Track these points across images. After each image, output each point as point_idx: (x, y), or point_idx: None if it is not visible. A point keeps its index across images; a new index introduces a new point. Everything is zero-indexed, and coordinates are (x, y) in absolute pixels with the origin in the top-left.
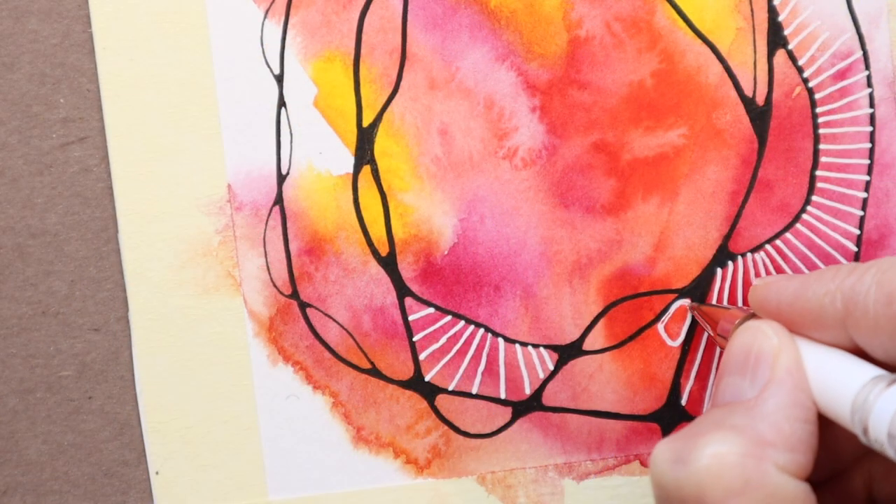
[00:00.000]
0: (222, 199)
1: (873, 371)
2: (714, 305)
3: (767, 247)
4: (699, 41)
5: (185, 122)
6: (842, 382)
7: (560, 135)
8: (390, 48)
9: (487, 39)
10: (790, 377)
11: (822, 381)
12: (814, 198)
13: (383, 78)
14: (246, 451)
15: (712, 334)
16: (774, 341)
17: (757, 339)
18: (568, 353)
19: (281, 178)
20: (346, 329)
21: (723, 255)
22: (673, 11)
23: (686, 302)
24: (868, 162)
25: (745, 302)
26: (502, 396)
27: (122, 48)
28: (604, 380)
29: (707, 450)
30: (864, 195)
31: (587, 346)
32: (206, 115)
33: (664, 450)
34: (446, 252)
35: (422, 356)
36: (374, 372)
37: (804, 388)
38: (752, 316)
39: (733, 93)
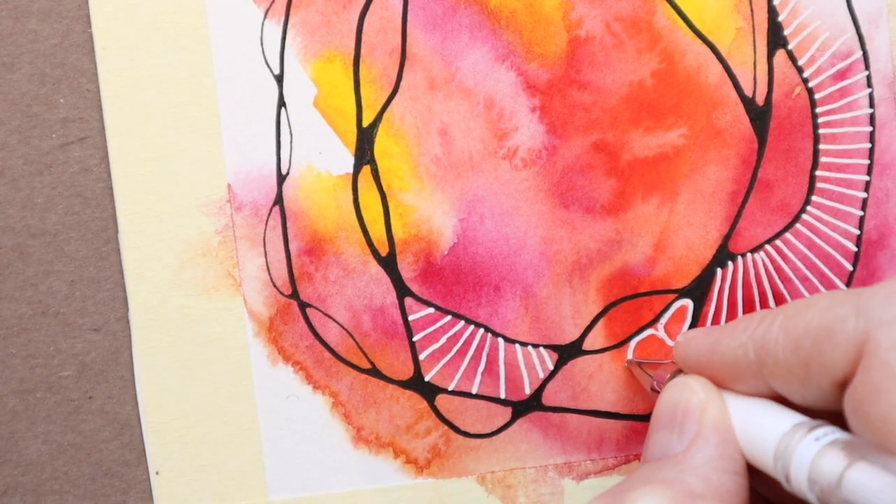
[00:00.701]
0: (222, 199)
1: (794, 419)
2: (649, 362)
3: (767, 247)
4: (699, 41)
5: (185, 122)
6: (765, 431)
7: (560, 135)
8: (390, 48)
9: (487, 39)
10: (717, 431)
11: (747, 431)
12: (814, 198)
13: (383, 78)
14: (246, 451)
15: (648, 390)
16: (701, 396)
17: (684, 394)
18: (568, 353)
19: (281, 178)
20: (346, 329)
21: (723, 255)
22: (673, 11)
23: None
24: (868, 162)
25: (745, 305)
26: (502, 396)
27: (122, 48)
28: (604, 380)
29: None
30: (864, 195)
31: (587, 346)
32: (206, 115)
33: None
34: (446, 252)
35: (422, 356)
36: (374, 372)
37: (731, 441)
38: (681, 371)
39: (733, 93)
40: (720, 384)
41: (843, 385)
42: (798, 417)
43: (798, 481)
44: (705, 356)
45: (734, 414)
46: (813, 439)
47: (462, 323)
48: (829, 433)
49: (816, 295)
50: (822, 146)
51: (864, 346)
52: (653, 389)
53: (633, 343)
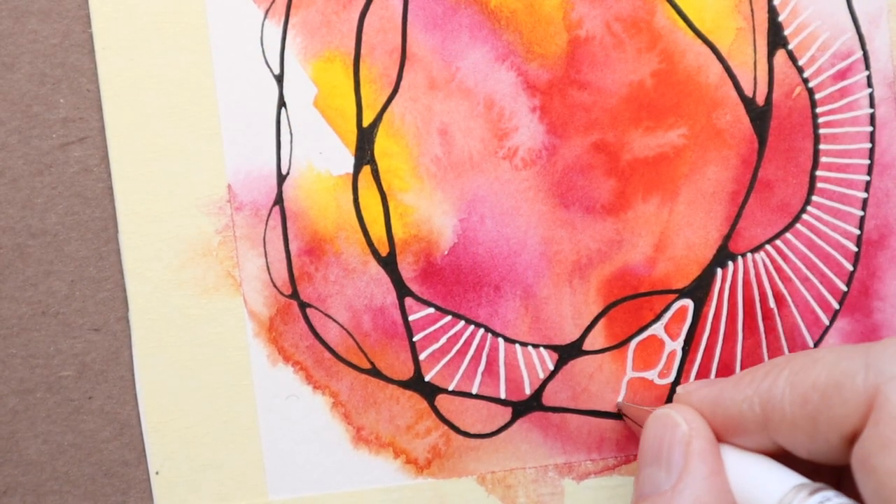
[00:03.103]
0: (222, 199)
1: (795, 479)
2: (639, 407)
3: (767, 247)
4: (699, 41)
5: (185, 122)
6: (764, 491)
7: (560, 135)
8: (390, 48)
9: (487, 39)
10: (703, 464)
11: (745, 489)
12: (814, 198)
13: (383, 78)
14: (246, 451)
15: (637, 432)
16: (684, 428)
17: (668, 427)
18: (568, 353)
19: (281, 178)
20: (346, 329)
21: (723, 255)
22: (673, 11)
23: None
24: (868, 162)
25: (745, 305)
26: (502, 396)
27: (122, 48)
28: (604, 380)
29: None
30: (865, 195)
31: (587, 346)
32: (206, 115)
33: None
34: (446, 252)
35: (422, 356)
36: (374, 372)
37: (719, 472)
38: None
39: (733, 93)
40: (718, 438)
41: (851, 439)
42: (799, 478)
43: None
44: (708, 409)
45: (733, 470)
46: (816, 502)
47: (462, 323)
48: (831, 497)
49: (822, 349)
50: (822, 146)
51: (873, 401)
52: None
53: (632, 344)
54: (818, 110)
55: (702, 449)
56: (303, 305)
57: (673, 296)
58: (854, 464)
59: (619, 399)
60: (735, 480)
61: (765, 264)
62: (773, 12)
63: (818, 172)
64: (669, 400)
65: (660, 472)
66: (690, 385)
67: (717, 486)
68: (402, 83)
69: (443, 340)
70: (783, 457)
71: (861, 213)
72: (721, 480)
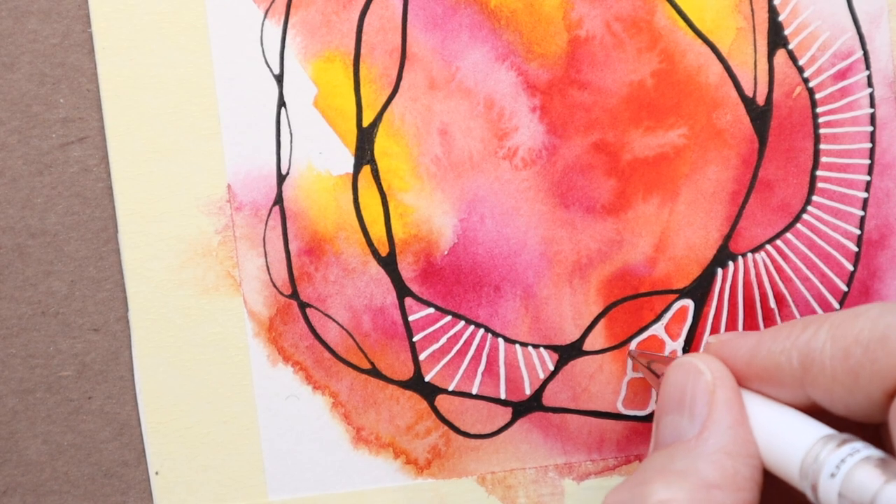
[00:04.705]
0: (222, 199)
1: (823, 430)
2: (653, 353)
3: (768, 247)
4: (699, 41)
5: (185, 122)
6: (790, 442)
7: (560, 135)
8: (390, 48)
9: (487, 39)
10: (728, 413)
11: (772, 440)
12: (814, 198)
13: (383, 78)
14: (246, 452)
15: (649, 380)
16: (708, 377)
17: (690, 376)
18: (568, 353)
19: (281, 178)
20: (346, 329)
21: (723, 255)
22: (673, 11)
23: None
24: (868, 162)
25: (745, 305)
26: (502, 397)
27: (122, 48)
28: (604, 380)
29: (653, 498)
30: (865, 195)
31: (587, 346)
32: (206, 115)
33: (613, 501)
34: (446, 252)
35: (422, 356)
36: (374, 372)
37: (743, 422)
38: None
39: (733, 93)
40: (750, 387)
41: (892, 395)
42: (827, 429)
43: (827, 495)
44: (743, 360)
45: (759, 420)
46: (846, 453)
47: (462, 323)
48: (862, 448)
49: (864, 305)
50: (822, 146)
51: None
52: (655, 374)
53: (633, 344)
54: (818, 110)
55: (727, 398)
56: (303, 305)
57: (673, 296)
58: (892, 418)
59: (631, 348)
60: (761, 431)
61: (765, 264)
62: (773, 12)
63: (818, 172)
64: None
65: (682, 419)
66: (723, 335)
67: (741, 436)
68: (402, 83)
69: (443, 340)
70: (815, 413)
71: (861, 213)
72: (746, 430)
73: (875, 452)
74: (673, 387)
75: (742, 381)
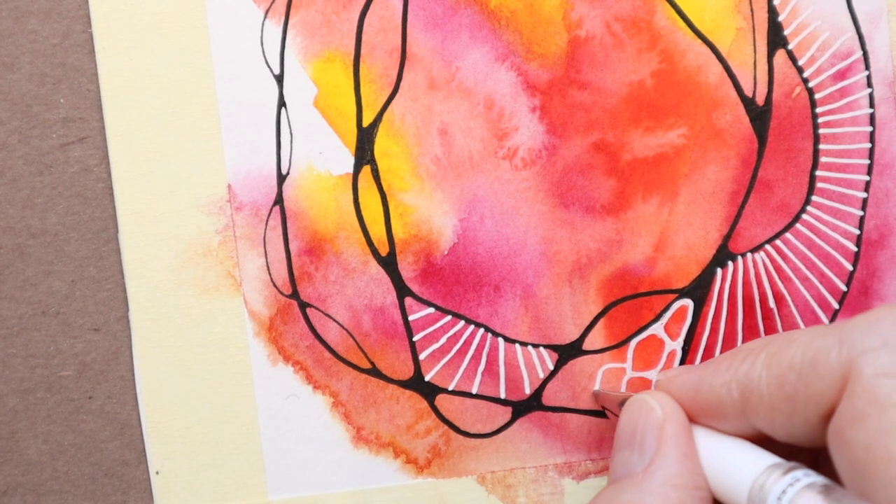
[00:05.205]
0: (222, 199)
1: (769, 459)
2: (615, 394)
3: (767, 247)
4: (699, 41)
5: (185, 122)
6: (738, 472)
7: (560, 135)
8: (390, 48)
9: (487, 39)
10: (676, 447)
11: (720, 471)
12: (814, 198)
13: (383, 78)
14: (246, 451)
15: (615, 421)
16: (658, 413)
17: (642, 412)
18: (568, 352)
19: (281, 178)
20: (346, 329)
21: (723, 255)
22: (673, 11)
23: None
24: (868, 162)
25: (745, 305)
26: (502, 396)
27: (122, 48)
28: (604, 380)
29: None
30: (864, 195)
31: (587, 346)
32: (206, 115)
33: None
34: (446, 252)
35: (422, 356)
36: (374, 372)
37: (691, 455)
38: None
39: (733, 93)
40: (699, 421)
41: (828, 417)
42: (773, 458)
43: None
44: (688, 395)
45: (708, 452)
46: (790, 481)
47: (462, 323)
48: (806, 475)
49: (797, 330)
50: (822, 146)
51: (848, 375)
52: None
53: (632, 343)
54: (818, 110)
55: (675, 432)
56: (303, 305)
57: (673, 296)
58: (830, 439)
59: (595, 388)
60: (710, 463)
61: (765, 264)
62: (773, 12)
63: (818, 172)
64: None
65: (633, 455)
66: (671, 371)
67: (689, 468)
68: (402, 83)
69: (443, 340)
70: (764, 441)
71: (861, 213)
72: (693, 463)
73: (818, 479)
74: (626, 424)
75: (691, 416)
